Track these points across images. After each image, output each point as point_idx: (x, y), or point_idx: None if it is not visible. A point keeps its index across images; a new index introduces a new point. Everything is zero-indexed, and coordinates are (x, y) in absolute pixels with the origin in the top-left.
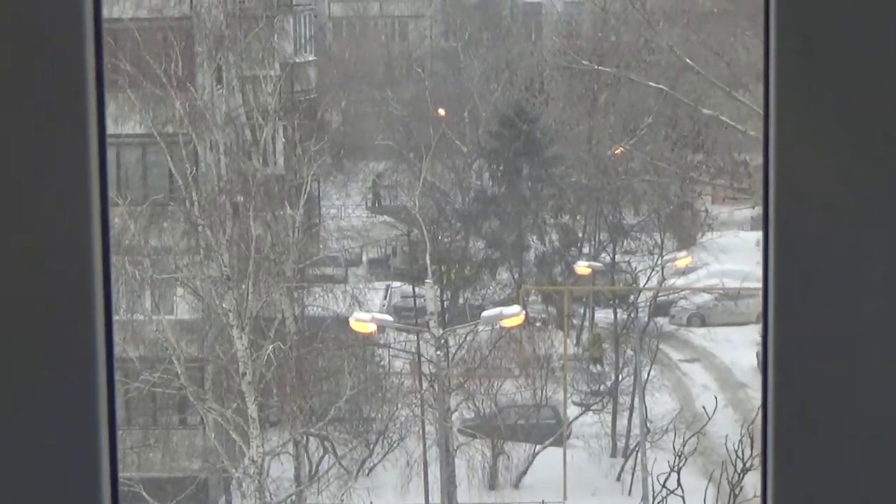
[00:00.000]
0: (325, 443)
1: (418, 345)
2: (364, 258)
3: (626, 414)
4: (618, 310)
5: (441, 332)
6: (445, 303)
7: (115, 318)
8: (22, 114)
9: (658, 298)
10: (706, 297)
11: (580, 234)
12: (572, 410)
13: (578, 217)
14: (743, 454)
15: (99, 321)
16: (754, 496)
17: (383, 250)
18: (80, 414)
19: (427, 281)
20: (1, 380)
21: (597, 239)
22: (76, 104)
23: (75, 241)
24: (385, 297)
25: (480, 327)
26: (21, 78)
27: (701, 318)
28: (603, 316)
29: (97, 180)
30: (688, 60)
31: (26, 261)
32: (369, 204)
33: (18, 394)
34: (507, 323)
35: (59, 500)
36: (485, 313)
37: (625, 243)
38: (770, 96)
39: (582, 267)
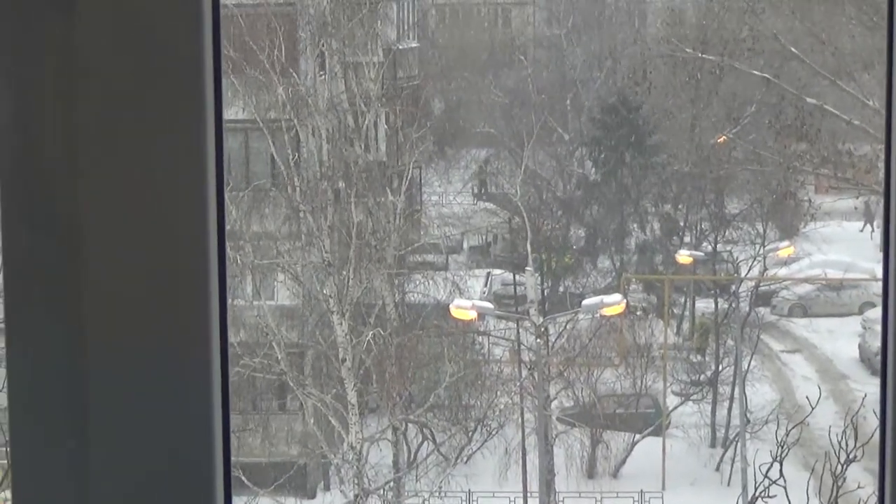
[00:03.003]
0: (424, 430)
1: (518, 332)
2: (465, 245)
3: (726, 404)
4: (719, 299)
5: (541, 319)
6: (546, 290)
7: None
8: (141, 101)
9: (760, 288)
10: (808, 287)
11: (681, 223)
12: (672, 400)
13: (680, 206)
14: (847, 445)
15: (214, 308)
16: (858, 487)
17: (484, 237)
18: (194, 401)
19: (528, 268)
20: (119, 366)
21: (698, 228)
22: (194, 91)
23: (191, 227)
24: (486, 285)
25: (581, 315)
26: (141, 64)
27: (803, 309)
28: (704, 306)
29: (213, 167)
30: (792, 49)
31: (144, 247)
32: (475, 191)
33: (136, 379)
34: (607, 311)
35: (175, 484)
36: (585, 301)
37: (726, 232)
38: (893, 85)
39: (683, 256)
